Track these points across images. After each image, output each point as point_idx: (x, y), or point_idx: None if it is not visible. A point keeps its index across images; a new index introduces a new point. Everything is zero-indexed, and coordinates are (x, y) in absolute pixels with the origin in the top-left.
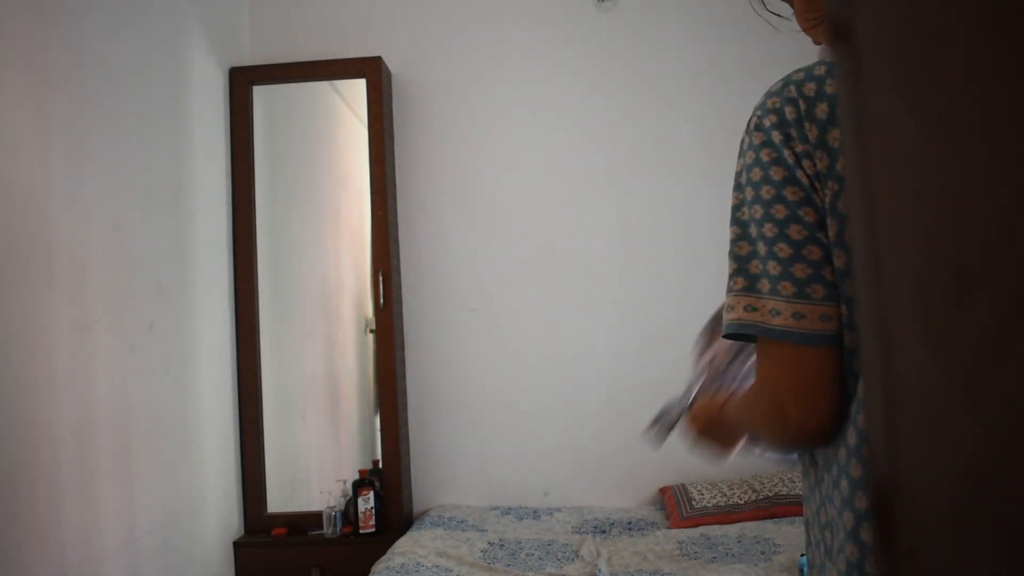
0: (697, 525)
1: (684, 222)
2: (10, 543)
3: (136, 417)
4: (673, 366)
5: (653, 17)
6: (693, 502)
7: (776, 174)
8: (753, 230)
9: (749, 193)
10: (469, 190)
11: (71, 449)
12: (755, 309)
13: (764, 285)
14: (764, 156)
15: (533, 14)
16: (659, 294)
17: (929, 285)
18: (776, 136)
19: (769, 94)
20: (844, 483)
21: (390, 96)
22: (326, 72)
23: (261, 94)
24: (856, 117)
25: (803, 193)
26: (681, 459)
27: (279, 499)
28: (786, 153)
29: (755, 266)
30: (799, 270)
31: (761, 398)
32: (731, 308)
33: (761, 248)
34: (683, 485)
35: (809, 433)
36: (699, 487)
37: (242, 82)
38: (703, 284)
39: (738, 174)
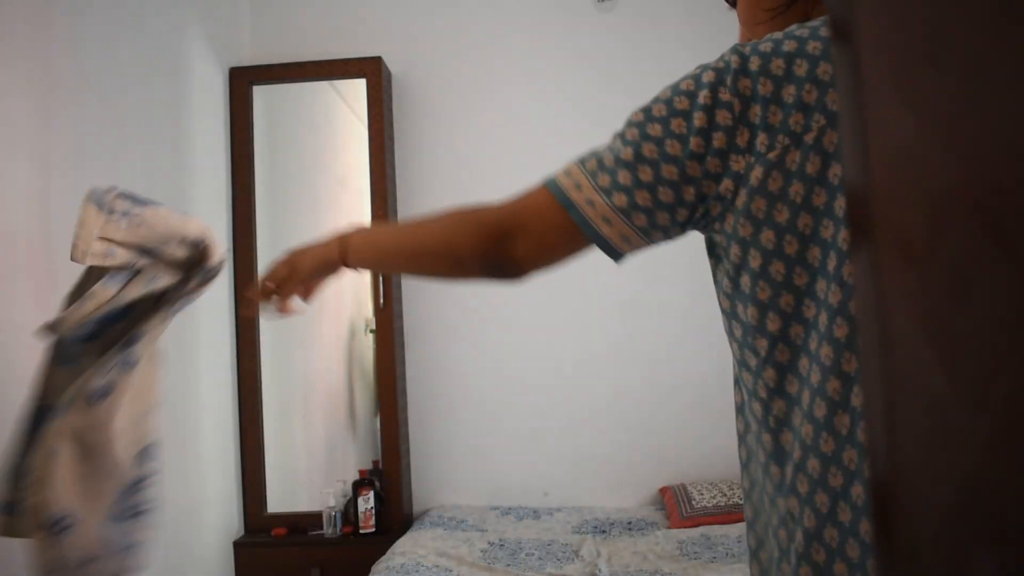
0: (697, 525)
1: None
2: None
3: None
4: (673, 366)
5: (653, 17)
6: (693, 502)
7: (698, 120)
8: (636, 137)
9: (660, 110)
10: (469, 190)
11: None
12: (580, 188)
13: (604, 180)
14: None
15: (533, 14)
16: (659, 294)
17: (929, 285)
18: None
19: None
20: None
21: (390, 96)
22: (326, 72)
23: (261, 94)
24: (856, 117)
25: (699, 150)
26: (681, 459)
27: (279, 499)
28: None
29: (610, 160)
30: (642, 197)
31: (499, 217)
32: (568, 172)
33: (628, 154)
34: (683, 485)
35: (517, 266)
36: (699, 487)
37: (242, 82)
38: (702, 284)
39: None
